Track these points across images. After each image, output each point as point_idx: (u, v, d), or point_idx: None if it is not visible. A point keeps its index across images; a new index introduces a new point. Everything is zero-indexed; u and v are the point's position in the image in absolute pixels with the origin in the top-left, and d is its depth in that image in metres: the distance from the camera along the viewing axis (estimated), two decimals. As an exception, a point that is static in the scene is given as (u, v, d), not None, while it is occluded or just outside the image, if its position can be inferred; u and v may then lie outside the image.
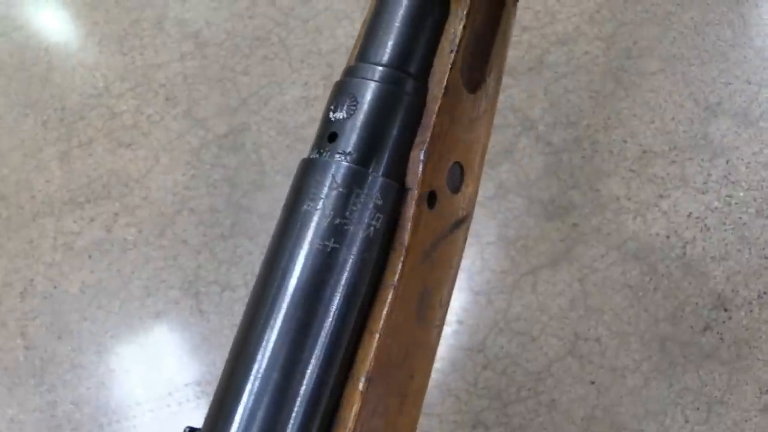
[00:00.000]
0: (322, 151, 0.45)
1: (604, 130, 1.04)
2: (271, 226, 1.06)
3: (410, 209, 0.44)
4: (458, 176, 0.50)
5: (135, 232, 1.07)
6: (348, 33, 1.17)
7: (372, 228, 0.43)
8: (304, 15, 1.20)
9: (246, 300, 1.03)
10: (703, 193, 0.99)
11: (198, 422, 0.97)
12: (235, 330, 1.02)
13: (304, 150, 1.10)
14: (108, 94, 1.21)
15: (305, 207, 0.43)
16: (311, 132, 1.12)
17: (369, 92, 0.45)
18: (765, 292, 0.92)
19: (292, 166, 1.16)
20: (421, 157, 0.45)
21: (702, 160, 1.02)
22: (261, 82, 1.15)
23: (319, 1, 1.21)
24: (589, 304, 0.93)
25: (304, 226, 0.43)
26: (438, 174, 0.47)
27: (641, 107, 1.05)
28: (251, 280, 0.99)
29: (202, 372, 0.96)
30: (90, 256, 1.07)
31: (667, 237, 0.96)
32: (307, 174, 0.44)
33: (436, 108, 0.47)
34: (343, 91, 0.46)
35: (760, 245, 0.95)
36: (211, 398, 1.03)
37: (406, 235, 0.44)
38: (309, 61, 1.15)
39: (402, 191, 0.45)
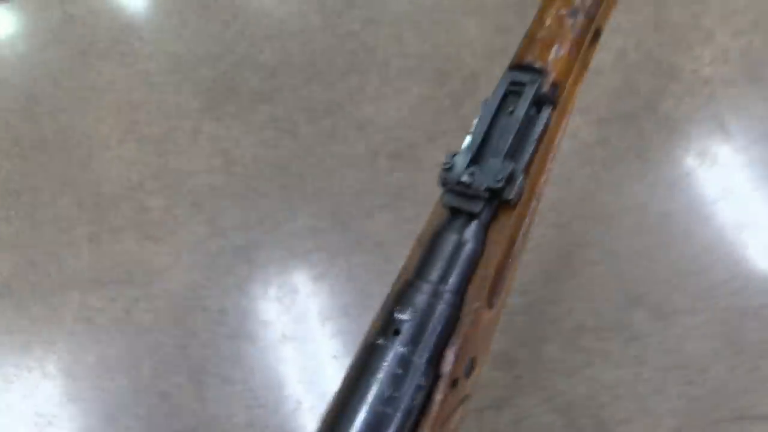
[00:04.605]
0: (386, 339, 0.65)
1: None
2: (269, 333, 1.24)
3: (441, 392, 0.65)
4: (470, 366, 0.71)
5: (152, 318, 1.24)
6: (357, 178, 1.38)
7: (414, 402, 0.63)
8: (320, 154, 1.42)
9: (243, 393, 1.19)
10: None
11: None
12: (229, 420, 1.19)
13: (308, 272, 1.29)
14: (141, 189, 1.39)
15: (372, 378, 0.63)
16: (316, 258, 1.32)
17: (425, 304, 0.66)
18: None
19: (295, 283, 1.34)
20: (453, 356, 0.67)
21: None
22: (278, 206, 1.36)
23: (336, 145, 1.43)
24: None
25: (368, 392, 0.63)
26: (461, 366, 0.69)
27: None
28: (250, 378, 1.17)
29: (192, 455, 1.12)
30: (108, 333, 1.23)
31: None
32: (374, 354, 0.64)
33: (469, 321, 0.68)
34: (406, 300, 0.66)
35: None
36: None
37: (435, 409, 0.65)
38: (320, 197, 1.37)
39: (437, 377, 0.65)
